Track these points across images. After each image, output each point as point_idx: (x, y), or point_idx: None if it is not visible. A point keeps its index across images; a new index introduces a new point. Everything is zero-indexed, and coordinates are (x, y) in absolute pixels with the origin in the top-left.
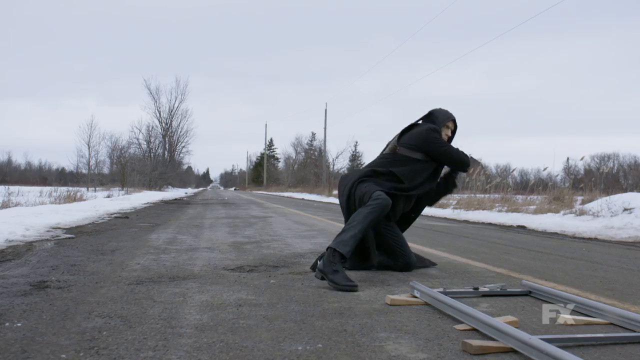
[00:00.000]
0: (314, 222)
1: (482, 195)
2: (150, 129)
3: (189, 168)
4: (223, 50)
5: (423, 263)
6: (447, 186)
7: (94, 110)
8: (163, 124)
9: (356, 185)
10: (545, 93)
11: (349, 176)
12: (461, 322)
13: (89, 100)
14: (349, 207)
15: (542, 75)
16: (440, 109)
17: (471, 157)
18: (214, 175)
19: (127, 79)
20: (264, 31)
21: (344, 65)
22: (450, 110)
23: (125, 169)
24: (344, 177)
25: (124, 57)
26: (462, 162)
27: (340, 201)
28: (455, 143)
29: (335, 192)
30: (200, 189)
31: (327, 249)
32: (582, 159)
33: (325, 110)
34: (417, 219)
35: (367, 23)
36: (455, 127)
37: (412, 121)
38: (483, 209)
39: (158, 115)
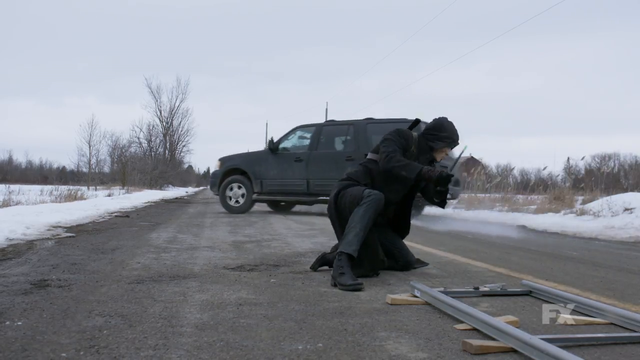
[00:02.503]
0: (314, 221)
1: (483, 195)
2: (151, 127)
3: (190, 167)
4: (225, 49)
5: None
6: (430, 196)
7: (95, 109)
8: (164, 123)
9: (341, 194)
10: (547, 92)
11: (334, 188)
12: (461, 322)
13: (90, 98)
14: (332, 219)
15: (545, 74)
16: (450, 127)
17: (455, 179)
18: None
19: (130, 77)
20: (267, 30)
21: (346, 64)
22: (457, 126)
23: (125, 168)
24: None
25: (127, 55)
26: (403, 169)
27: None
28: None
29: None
30: (201, 188)
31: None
32: (582, 158)
33: (326, 109)
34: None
35: (370, 22)
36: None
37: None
38: (483, 209)
39: (159, 114)
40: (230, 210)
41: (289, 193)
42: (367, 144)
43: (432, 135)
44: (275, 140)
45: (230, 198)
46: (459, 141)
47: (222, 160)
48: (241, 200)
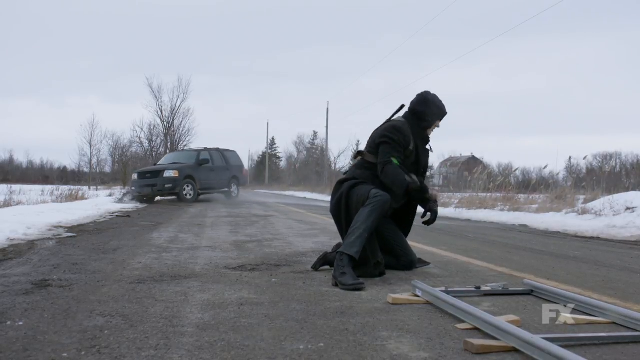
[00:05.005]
0: (316, 220)
1: (484, 194)
2: (152, 127)
3: None
4: (228, 48)
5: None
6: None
7: (98, 109)
8: (165, 123)
9: (347, 193)
10: (550, 92)
11: (339, 188)
12: (463, 321)
13: (93, 98)
14: (339, 216)
15: (548, 73)
16: (436, 99)
17: (431, 192)
18: None
19: (132, 76)
20: (270, 29)
21: (349, 63)
22: (447, 105)
23: (127, 168)
24: (336, 186)
25: (129, 55)
26: (392, 185)
27: (331, 211)
28: (459, 143)
29: None
30: None
31: (336, 254)
32: (584, 158)
33: (327, 109)
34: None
35: (374, 21)
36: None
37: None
38: (485, 208)
39: (160, 114)
40: (187, 201)
41: (214, 187)
42: (237, 162)
43: (421, 113)
44: (200, 158)
45: (186, 194)
46: (443, 115)
47: (180, 170)
48: (192, 194)
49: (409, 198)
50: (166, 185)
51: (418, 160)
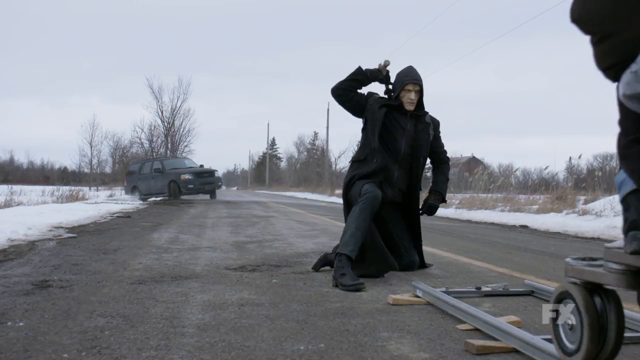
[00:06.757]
0: (316, 221)
1: (485, 195)
2: (152, 128)
3: None
4: (230, 48)
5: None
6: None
7: (99, 109)
8: (165, 123)
9: (345, 191)
10: (551, 92)
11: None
12: (463, 322)
13: (94, 98)
14: (344, 213)
15: (550, 74)
16: (400, 71)
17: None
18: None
19: (134, 77)
20: (273, 30)
21: (350, 64)
22: (419, 71)
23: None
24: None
25: (132, 55)
26: (343, 87)
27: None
28: (459, 143)
29: (337, 191)
30: None
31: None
32: (579, 157)
33: (328, 109)
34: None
35: (377, 21)
36: (421, 88)
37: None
38: (485, 209)
39: (160, 114)
40: (214, 197)
41: None
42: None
43: (393, 88)
44: (200, 164)
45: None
46: (409, 77)
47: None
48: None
49: (408, 196)
50: (219, 183)
51: (402, 127)
